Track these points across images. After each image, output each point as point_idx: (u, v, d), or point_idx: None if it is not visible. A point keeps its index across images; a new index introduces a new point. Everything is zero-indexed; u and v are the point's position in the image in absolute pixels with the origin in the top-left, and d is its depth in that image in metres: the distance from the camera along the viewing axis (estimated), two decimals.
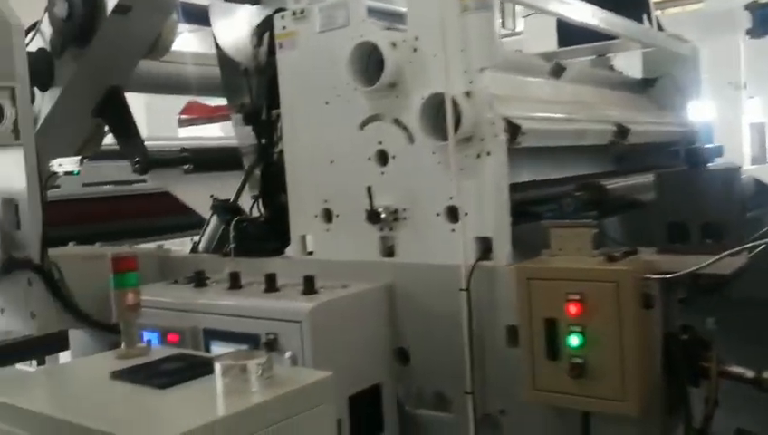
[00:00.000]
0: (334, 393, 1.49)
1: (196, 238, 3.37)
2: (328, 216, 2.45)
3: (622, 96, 3.57)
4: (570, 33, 4.01)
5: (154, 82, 3.39)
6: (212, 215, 3.02)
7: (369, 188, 2.26)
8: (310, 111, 2.45)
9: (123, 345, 1.77)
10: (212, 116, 8.31)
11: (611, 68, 3.99)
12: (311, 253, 2.53)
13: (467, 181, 2.10)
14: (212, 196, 3.03)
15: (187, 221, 4.86)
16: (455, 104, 2.05)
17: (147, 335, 2.43)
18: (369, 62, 2.31)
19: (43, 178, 2.59)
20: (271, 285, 2.27)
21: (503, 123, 2.07)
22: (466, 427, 2.11)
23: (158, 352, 1.78)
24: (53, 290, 2.60)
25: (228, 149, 3.39)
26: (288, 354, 2.08)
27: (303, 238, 2.53)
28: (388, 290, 2.28)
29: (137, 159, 3.05)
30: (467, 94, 2.08)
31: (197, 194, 3.78)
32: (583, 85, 3.19)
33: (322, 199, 2.46)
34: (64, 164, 2.51)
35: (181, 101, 8.13)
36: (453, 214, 2.15)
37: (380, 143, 2.29)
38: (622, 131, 2.91)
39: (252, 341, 2.16)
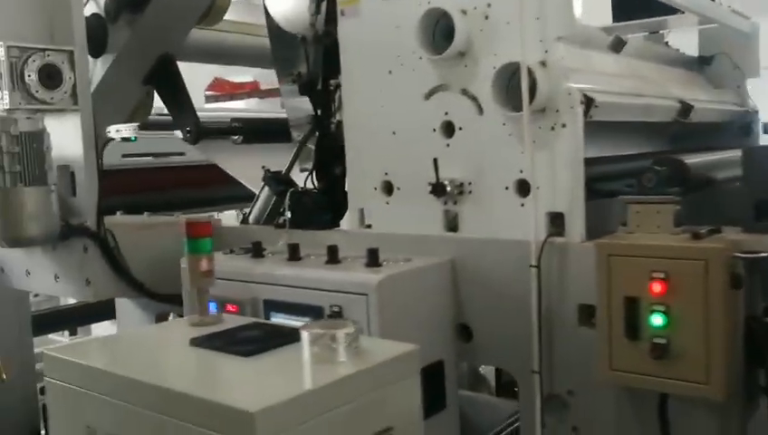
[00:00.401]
0: (418, 367, 1.46)
1: (234, 212, 3.35)
2: (388, 188, 2.40)
3: (681, 73, 3.47)
4: (624, 8, 3.92)
5: (205, 50, 3.34)
6: (263, 186, 2.98)
7: (435, 161, 2.21)
8: (372, 80, 2.39)
9: (197, 313, 1.74)
10: (235, 93, 8.31)
11: (666, 45, 3.88)
12: (368, 226, 2.49)
13: (540, 154, 2.04)
14: (263, 167, 2.99)
15: (226, 194, 4.86)
16: (530, 74, 1.99)
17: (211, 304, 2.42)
18: (437, 30, 2.24)
19: (98, 144, 2.57)
20: (333, 256, 2.23)
21: (579, 95, 2.00)
22: (531, 407, 2.07)
23: (232, 320, 1.75)
24: (109, 257, 2.59)
25: (278, 121, 3.34)
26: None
27: (361, 211, 2.49)
28: (451, 265, 2.23)
29: (188, 129, 3.01)
30: (542, 64, 2.01)
31: (243, 166, 3.76)
32: (643, 61, 3.10)
33: (383, 172, 2.41)
34: (121, 130, 2.48)
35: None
36: (523, 188, 2.09)
37: (446, 114, 2.23)
38: (686, 109, 2.82)
39: (314, 313, 2.13)
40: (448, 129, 2.23)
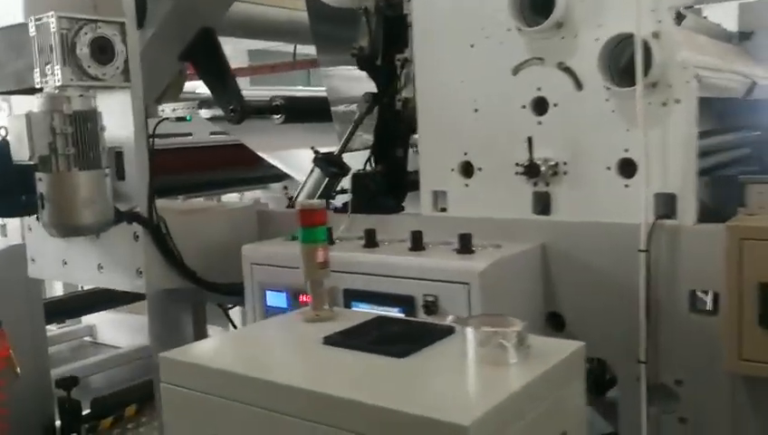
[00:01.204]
0: (584, 366, 1.33)
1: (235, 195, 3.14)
2: (468, 170, 2.27)
3: (731, 48, 3.38)
4: None
5: (245, 25, 3.15)
6: (314, 168, 2.82)
7: (530, 139, 2.07)
8: (450, 54, 2.24)
9: (311, 307, 1.59)
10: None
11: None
12: (443, 209, 2.35)
13: (649, 132, 1.92)
14: (312, 148, 2.83)
15: (244, 175, 4.66)
16: (644, 46, 1.86)
17: (274, 295, 2.27)
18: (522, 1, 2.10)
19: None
20: (417, 243, 2.09)
21: (693, 69, 1.88)
22: (635, 398, 1.96)
23: (347, 315, 1.61)
24: (162, 246, 2.41)
25: (320, 99, 3.17)
26: (450, 319, 1.91)
27: (435, 194, 2.35)
28: (542, 250, 2.11)
29: (232, 107, 2.83)
30: (656, 36, 1.88)
31: (275, 146, 3.59)
32: (701, 35, 3.00)
33: (462, 152, 2.26)
34: (177, 109, 2.29)
35: None
36: (627, 168, 1.97)
37: (539, 90, 2.09)
38: (751, 86, 2.73)
39: (404, 303, 2.00)
40: (540, 105, 2.10)
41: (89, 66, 2.13)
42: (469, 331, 1.24)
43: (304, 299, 2.19)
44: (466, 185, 2.27)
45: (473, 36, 2.19)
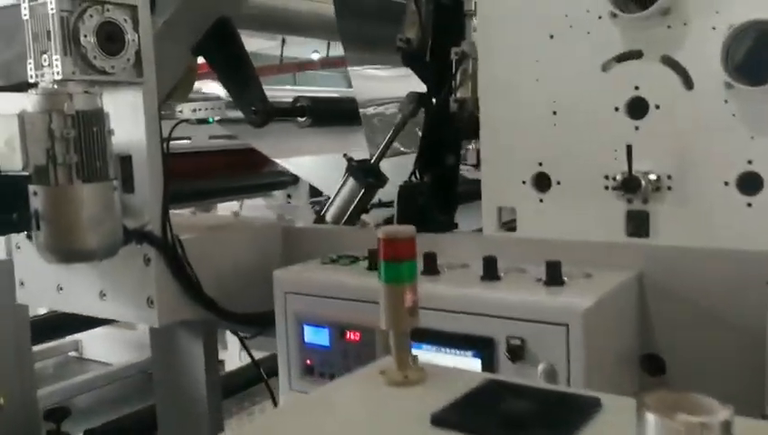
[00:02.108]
0: None
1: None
2: (543, 183, 1.92)
3: None
4: None
5: (265, 18, 2.79)
6: (347, 178, 2.47)
7: (629, 148, 1.73)
8: (523, 47, 1.91)
9: (394, 364, 1.23)
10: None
11: None
12: (510, 229, 2.01)
13: None
14: (345, 155, 2.48)
15: (244, 183, 4.36)
16: None
17: (314, 331, 1.91)
18: None
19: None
20: (491, 271, 1.75)
21: None
22: None
23: (439, 374, 1.25)
24: (178, 271, 2.04)
25: (346, 100, 2.83)
26: (542, 367, 1.57)
27: (501, 211, 2.01)
28: (638, 280, 1.77)
29: (254, 108, 2.47)
30: None
31: (291, 151, 3.24)
32: None
33: (536, 162, 1.92)
34: (198, 110, 1.93)
35: None
36: (750, 183, 1.64)
37: (637, 89, 1.76)
38: None
39: (481, 346, 1.65)
40: (638, 107, 1.76)
41: (94, 57, 1.76)
42: (653, 419, 0.89)
43: (352, 337, 1.85)
44: (541, 200, 1.93)
45: (552, 25, 1.86)
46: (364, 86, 2.87)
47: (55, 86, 1.73)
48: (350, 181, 2.45)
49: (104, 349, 6.23)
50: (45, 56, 1.74)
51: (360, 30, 2.79)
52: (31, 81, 1.77)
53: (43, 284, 2.31)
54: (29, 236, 1.90)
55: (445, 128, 2.21)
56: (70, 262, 1.85)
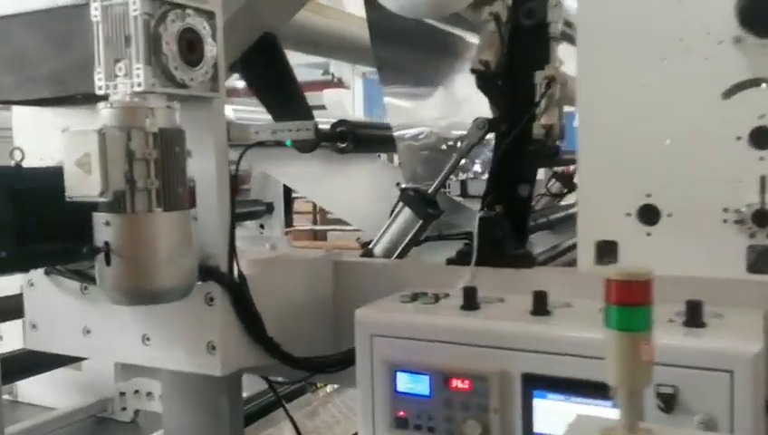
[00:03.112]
0: None
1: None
2: (651, 215, 1.80)
3: None
4: None
5: (305, 37, 2.59)
6: (402, 207, 2.29)
7: (763, 179, 1.63)
8: (630, 71, 1.79)
9: (622, 424, 1.06)
10: None
11: None
12: (608, 264, 1.88)
13: None
14: (398, 184, 2.30)
15: None
16: None
17: (411, 379, 1.71)
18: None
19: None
20: None
21: None
22: None
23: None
24: (244, 312, 1.81)
25: (382, 126, 2.66)
26: (698, 418, 1.43)
27: (600, 246, 1.87)
28: (766, 319, 1.67)
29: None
30: None
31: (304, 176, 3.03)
32: None
33: (643, 193, 1.80)
34: (277, 132, 1.72)
35: None
36: None
37: (762, 117, 1.67)
38: None
39: None
40: (763, 136, 1.68)
41: (175, 68, 1.53)
42: None
43: (460, 385, 1.66)
44: (648, 234, 1.81)
45: (665, 48, 1.75)
46: (398, 112, 2.71)
47: (135, 99, 1.49)
48: (406, 212, 2.27)
49: (43, 390, 5.70)
50: (121, 65, 1.50)
51: (395, 56, 2.65)
52: (99, 92, 1.53)
53: (65, 326, 2.02)
54: (90, 279, 1.65)
55: (519, 156, 2.07)
56: (144, 303, 1.58)
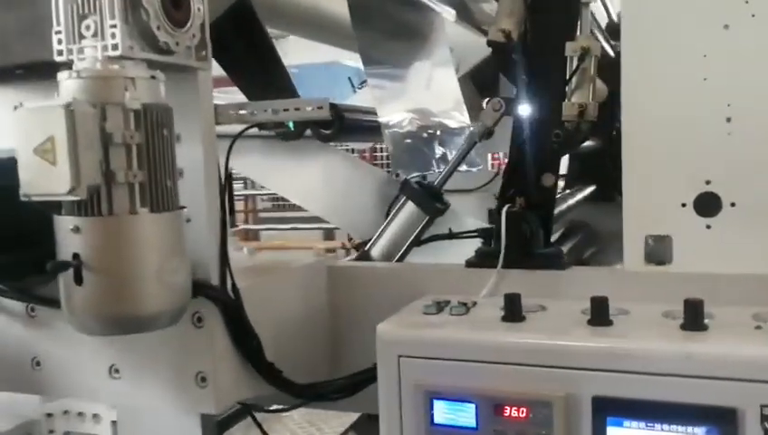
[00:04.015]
0: None
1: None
2: (711, 205, 1.57)
3: None
4: None
5: (282, 11, 2.24)
6: (402, 202, 1.99)
7: None
8: (686, 39, 1.56)
9: None
10: None
11: None
12: (660, 262, 1.64)
13: None
14: (397, 175, 2.01)
15: None
16: None
17: (451, 408, 1.42)
18: None
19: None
20: (696, 319, 1.36)
21: None
22: None
23: None
24: (240, 333, 1.47)
25: (369, 112, 2.36)
26: None
27: (650, 241, 1.63)
28: None
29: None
30: None
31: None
32: None
33: (702, 180, 1.57)
34: (280, 111, 1.40)
35: None
36: None
37: None
38: None
39: (717, 419, 1.25)
40: None
41: (158, 27, 1.19)
42: None
43: (515, 414, 1.38)
44: (708, 227, 1.58)
45: (727, 13, 1.53)
46: (382, 99, 2.41)
47: (108, 66, 1.14)
48: (409, 207, 1.98)
49: None
50: (89, 22, 1.14)
51: (375, 34, 2.36)
52: (58, 58, 1.17)
53: (7, 358, 1.63)
54: (39, 300, 1.29)
55: (545, 140, 1.82)
56: (124, 332, 1.23)
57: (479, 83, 3.75)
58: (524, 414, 1.36)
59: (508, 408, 1.37)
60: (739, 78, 1.53)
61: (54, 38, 1.16)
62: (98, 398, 1.57)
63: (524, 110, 1.83)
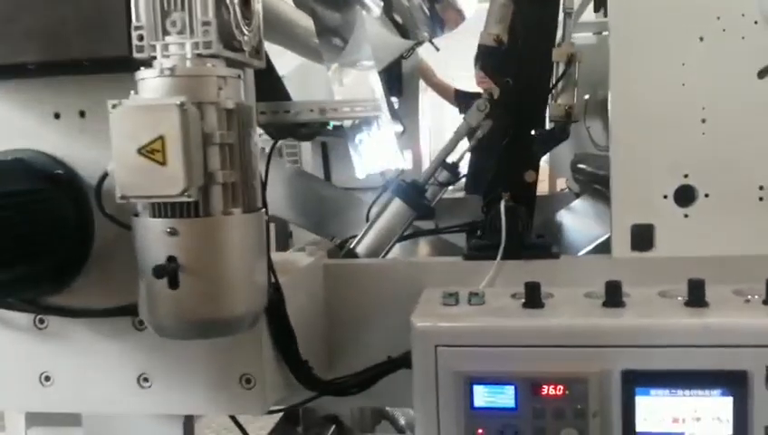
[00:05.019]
0: None
1: None
2: (687, 196, 1.78)
3: None
4: None
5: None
6: (389, 199, 2.04)
7: None
8: (666, 49, 1.75)
9: None
10: None
11: None
12: (643, 249, 1.82)
13: None
14: (382, 173, 2.06)
15: None
16: None
17: (491, 391, 1.51)
18: None
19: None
20: (697, 295, 1.54)
21: None
22: None
23: None
24: (282, 331, 1.48)
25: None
26: None
27: (634, 229, 1.81)
28: None
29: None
30: None
31: None
32: None
33: (680, 173, 1.77)
34: (327, 110, 1.42)
35: None
36: None
37: None
38: None
39: (729, 382, 1.43)
40: None
41: (236, 26, 1.18)
42: None
43: (552, 392, 1.49)
44: (686, 216, 1.79)
45: (702, 27, 1.73)
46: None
47: (199, 65, 1.12)
48: (397, 204, 2.04)
49: None
50: (174, 18, 1.12)
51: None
52: (138, 55, 1.13)
53: (13, 374, 1.52)
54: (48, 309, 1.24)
55: (529, 140, 1.95)
56: (213, 335, 1.20)
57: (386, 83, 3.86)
58: (561, 392, 1.48)
59: (546, 386, 1.48)
60: (713, 84, 1.74)
61: (134, 34, 1.11)
62: (122, 410, 1.49)
63: (510, 110, 1.95)
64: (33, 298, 1.43)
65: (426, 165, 3.39)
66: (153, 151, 1.02)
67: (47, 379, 1.50)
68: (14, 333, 1.49)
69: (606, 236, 2.02)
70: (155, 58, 1.12)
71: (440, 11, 3.35)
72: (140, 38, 1.11)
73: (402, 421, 3.70)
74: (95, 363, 1.47)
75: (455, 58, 4.56)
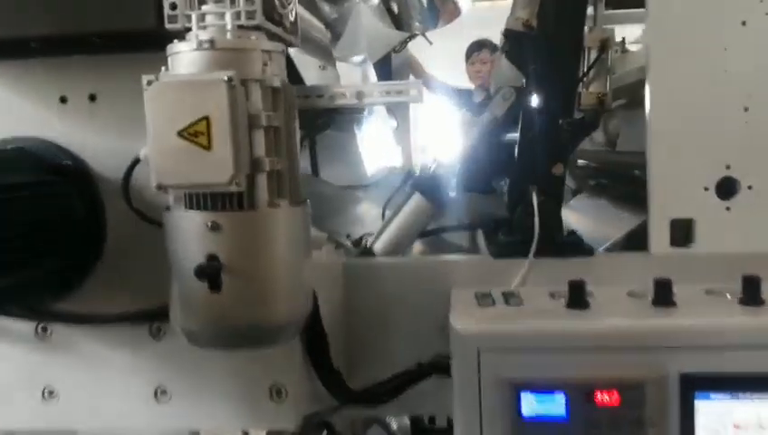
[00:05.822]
0: None
1: None
2: (730, 188, 1.69)
3: None
4: None
5: None
6: (410, 194, 1.92)
7: None
8: (707, 34, 1.66)
9: None
10: None
11: None
12: (686, 245, 1.73)
13: None
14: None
15: None
16: None
17: (540, 400, 1.39)
18: None
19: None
20: (754, 294, 1.45)
21: None
22: None
23: None
24: (316, 339, 1.35)
25: None
26: None
27: (674, 224, 1.72)
28: None
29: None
30: None
31: None
32: None
33: (722, 165, 1.68)
34: (365, 94, 1.29)
35: None
36: None
37: None
38: None
39: None
40: None
41: (279, 3, 1.05)
42: None
43: (606, 399, 1.39)
44: (727, 209, 1.70)
45: (745, 11, 1.65)
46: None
47: (242, 38, 0.98)
48: (417, 199, 1.92)
49: None
50: None
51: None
52: (170, 26, 0.99)
53: (12, 389, 1.36)
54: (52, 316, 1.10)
55: (557, 131, 1.84)
56: (258, 345, 1.07)
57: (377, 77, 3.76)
58: (616, 398, 1.38)
59: (599, 393, 1.37)
60: (756, 70, 1.66)
61: (166, 3, 0.98)
62: (137, 426, 1.35)
63: (535, 100, 1.84)
64: (35, 304, 1.28)
65: (416, 160, 3.30)
66: (196, 134, 0.88)
67: (50, 393, 1.35)
68: (13, 343, 1.34)
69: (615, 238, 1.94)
70: (189, 30, 0.98)
71: (439, 3, 3.24)
72: (173, 6, 0.98)
73: (394, 426, 3.59)
74: (106, 376, 1.33)
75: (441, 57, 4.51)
